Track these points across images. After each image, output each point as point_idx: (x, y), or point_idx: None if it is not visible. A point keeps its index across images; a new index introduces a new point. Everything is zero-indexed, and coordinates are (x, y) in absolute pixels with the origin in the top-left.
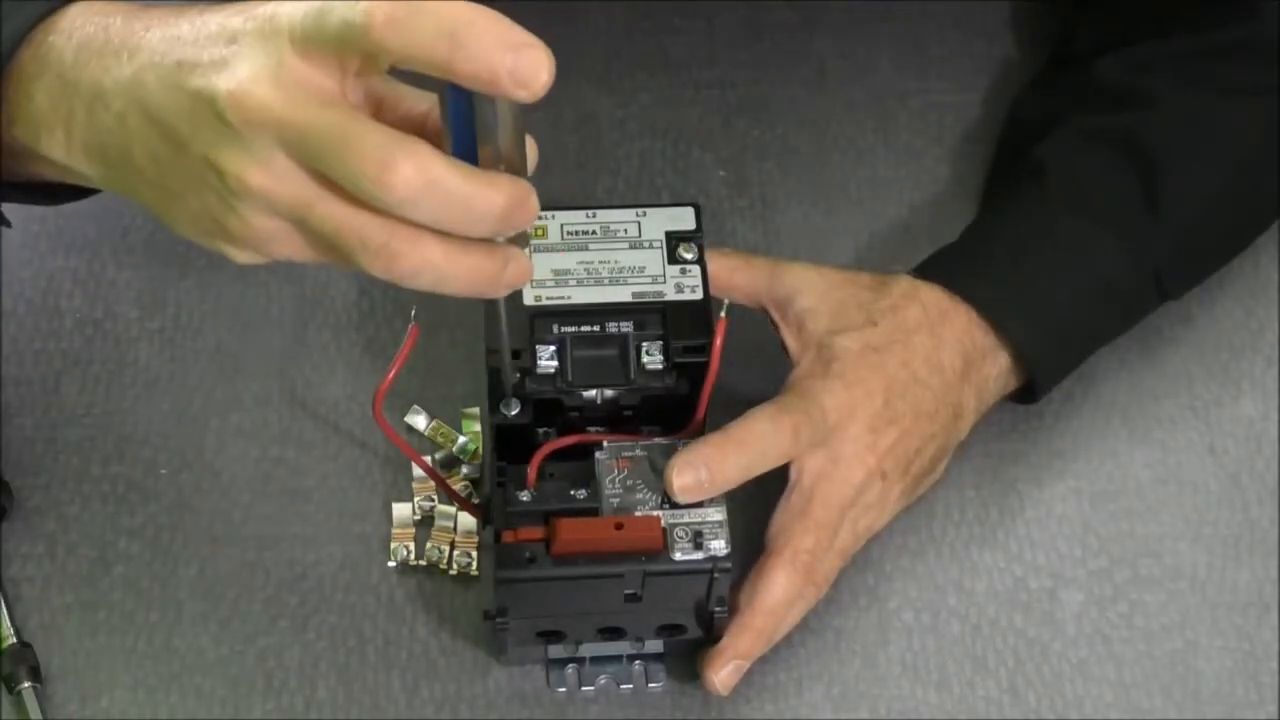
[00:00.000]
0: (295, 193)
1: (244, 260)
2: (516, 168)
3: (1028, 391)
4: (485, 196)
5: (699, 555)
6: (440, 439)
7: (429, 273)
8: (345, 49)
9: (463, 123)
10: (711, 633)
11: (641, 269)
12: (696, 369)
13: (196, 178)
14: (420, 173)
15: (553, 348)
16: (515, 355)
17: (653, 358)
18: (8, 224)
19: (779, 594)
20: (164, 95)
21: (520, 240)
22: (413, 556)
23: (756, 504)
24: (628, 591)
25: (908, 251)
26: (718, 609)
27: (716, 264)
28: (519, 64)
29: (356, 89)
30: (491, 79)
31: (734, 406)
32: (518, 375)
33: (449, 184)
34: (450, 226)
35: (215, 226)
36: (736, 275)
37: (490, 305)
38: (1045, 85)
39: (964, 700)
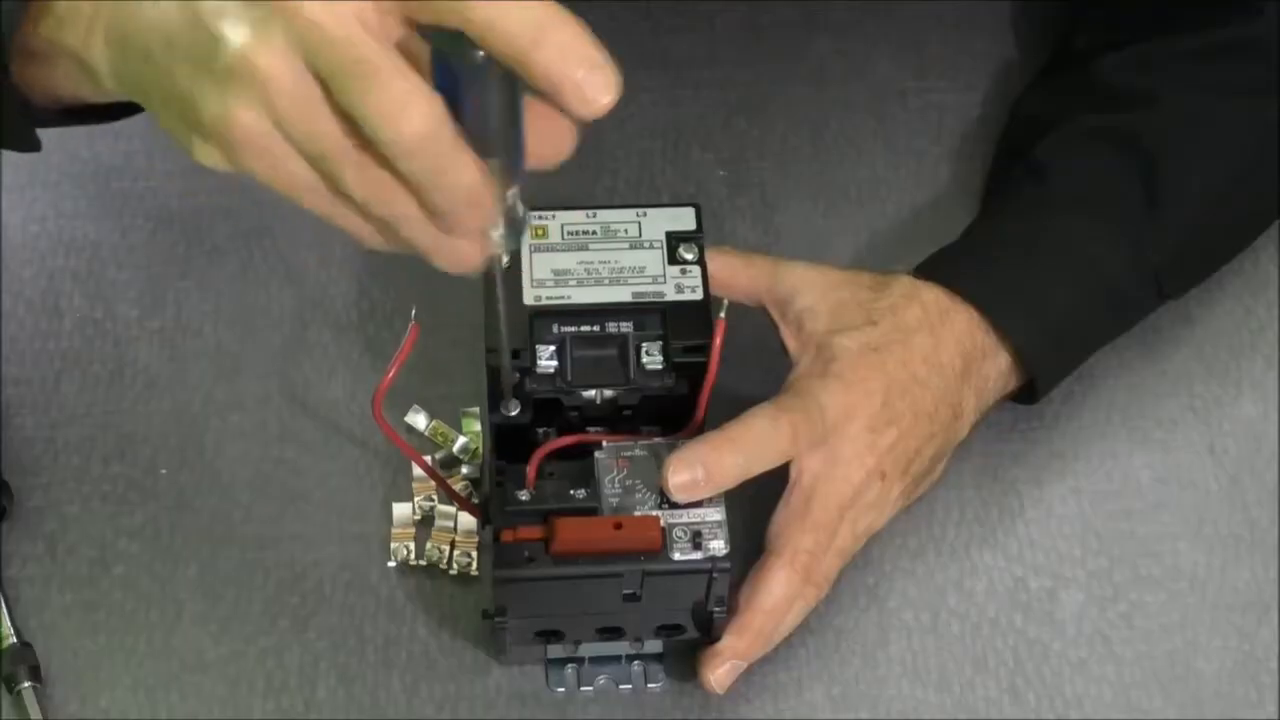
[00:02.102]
0: (301, 94)
1: (205, 161)
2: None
3: (1028, 392)
4: (470, 179)
5: (698, 555)
6: (440, 439)
7: (395, 208)
8: (429, 11)
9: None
10: (710, 633)
11: (641, 269)
12: (696, 369)
13: (196, 54)
14: (428, 122)
15: (552, 347)
16: (515, 355)
17: (652, 358)
18: (39, 147)
19: (778, 594)
20: None
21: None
22: (413, 556)
23: (756, 504)
24: (626, 591)
25: (908, 251)
26: (716, 609)
27: (716, 263)
28: (589, 80)
29: (394, 34)
30: (558, 86)
31: (733, 406)
32: (517, 376)
33: (444, 144)
34: (423, 185)
35: (192, 111)
36: (736, 274)
37: (489, 304)
38: (1045, 85)
39: (964, 700)
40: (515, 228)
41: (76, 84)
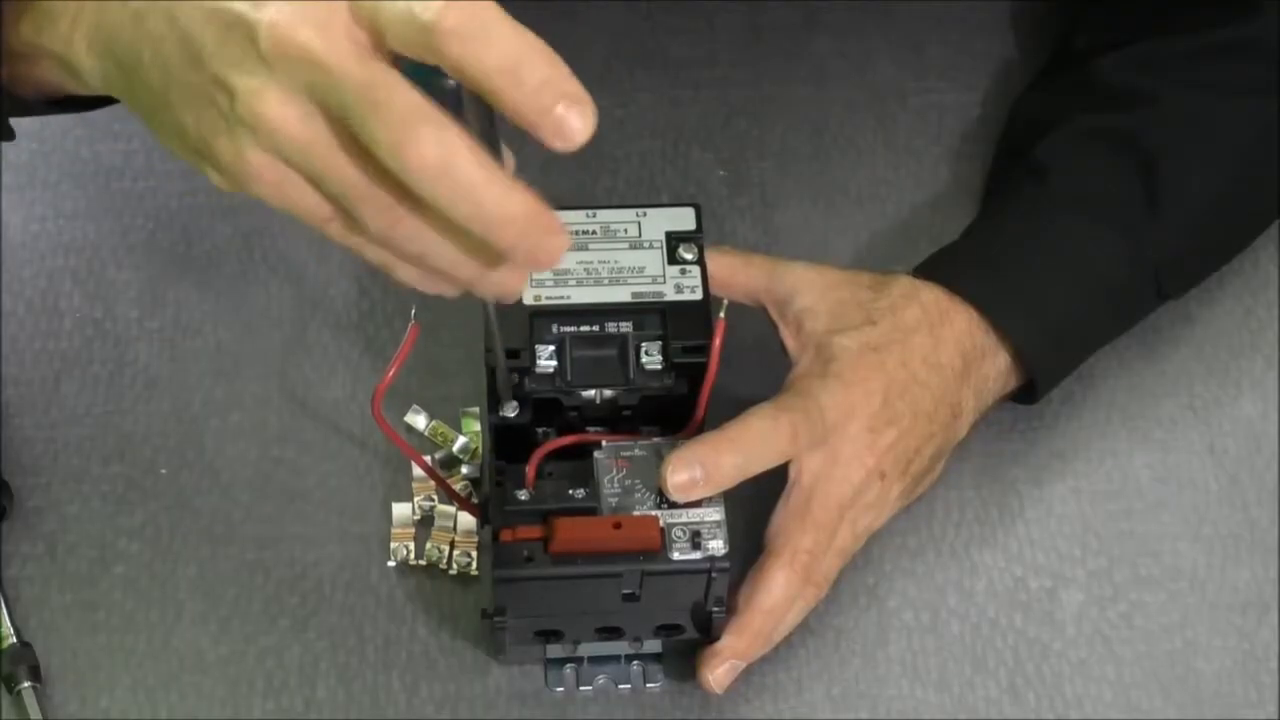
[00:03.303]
0: (309, 135)
1: (218, 184)
2: None
3: (1028, 392)
4: (498, 197)
5: (697, 555)
6: (440, 439)
7: (422, 243)
8: (401, 36)
9: None
10: (710, 633)
11: (641, 269)
12: (696, 369)
13: (202, 94)
14: (439, 146)
15: (552, 347)
16: (515, 355)
17: (652, 358)
18: (11, 136)
19: (777, 594)
20: (199, 8)
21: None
22: (412, 556)
23: (756, 504)
24: (626, 591)
25: (908, 251)
26: (715, 609)
27: (716, 263)
28: (566, 116)
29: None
30: (536, 122)
31: (733, 406)
32: (516, 377)
33: (462, 166)
34: (459, 215)
35: (203, 147)
36: (736, 274)
37: (484, 309)
38: (1045, 85)
39: (964, 700)
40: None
41: (62, 80)
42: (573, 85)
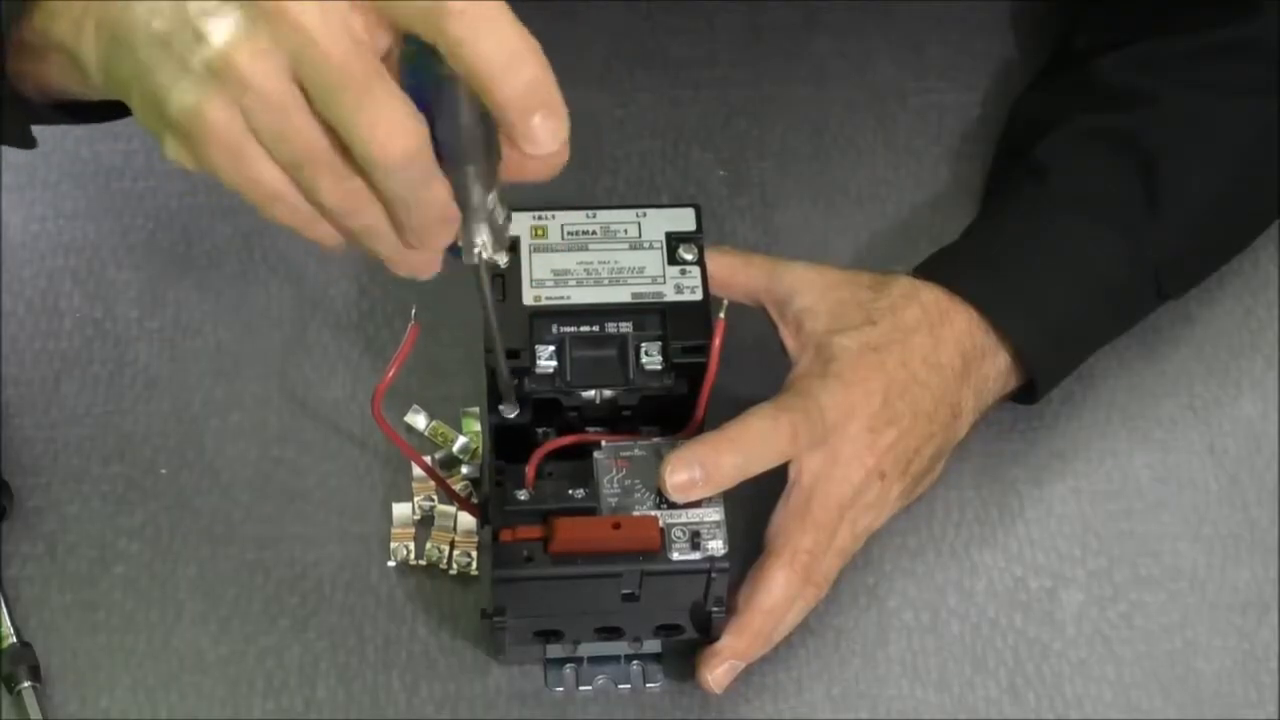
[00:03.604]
0: (279, 91)
1: (173, 157)
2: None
3: (1028, 392)
4: (443, 201)
5: (696, 555)
6: (440, 439)
7: (364, 218)
8: (407, 9)
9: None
10: (709, 633)
11: (641, 269)
12: (695, 369)
13: (178, 51)
14: (414, 143)
15: (552, 347)
16: (515, 355)
17: (652, 358)
18: (34, 144)
19: (777, 594)
20: None
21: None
22: (412, 556)
23: (756, 504)
24: (625, 591)
25: (908, 251)
26: (715, 609)
27: (716, 263)
28: (543, 124)
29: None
30: (513, 120)
31: (733, 406)
32: (515, 380)
33: (424, 165)
34: (398, 202)
35: (163, 105)
36: (736, 274)
37: (483, 309)
38: (1045, 85)
39: (963, 700)
40: (498, 232)
41: (67, 79)
42: (555, 96)
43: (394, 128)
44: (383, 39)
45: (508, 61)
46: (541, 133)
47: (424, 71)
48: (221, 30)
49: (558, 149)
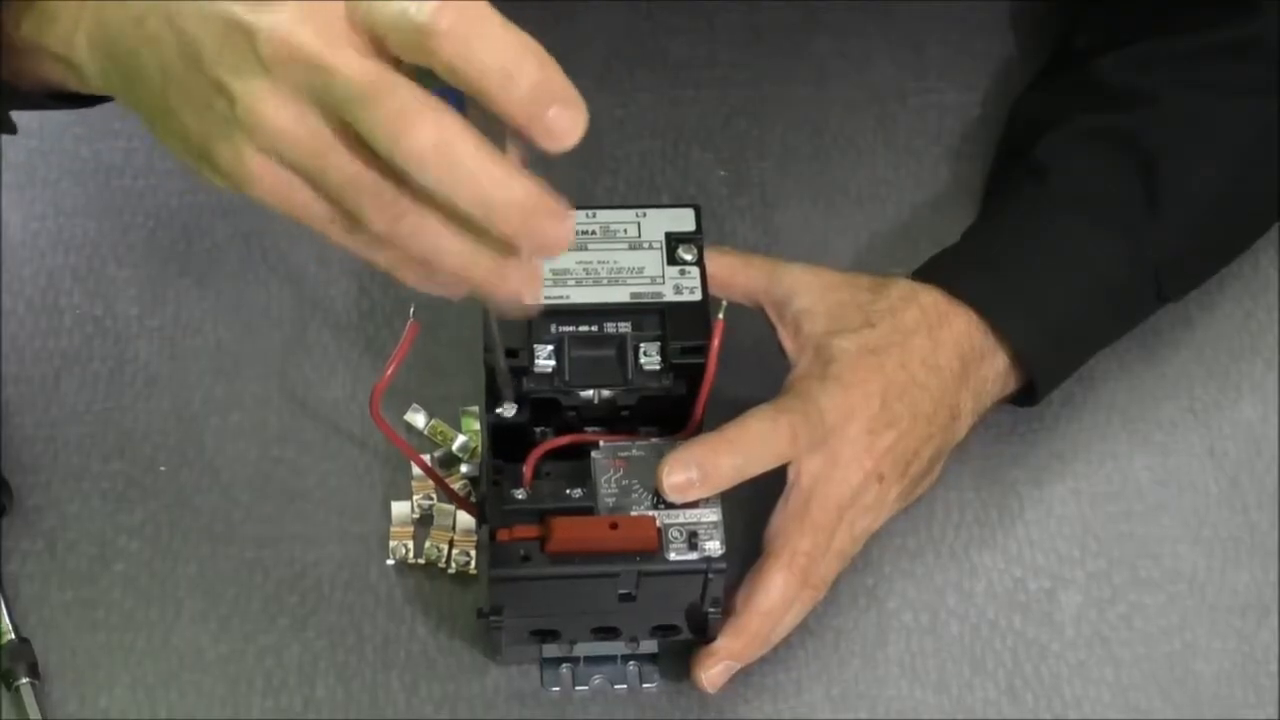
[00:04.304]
0: (308, 135)
1: (218, 185)
2: None
3: (1028, 394)
4: (499, 180)
5: (693, 555)
6: (439, 437)
7: (427, 238)
8: (395, 38)
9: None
10: (706, 633)
11: (640, 270)
12: (694, 370)
13: (201, 98)
14: (437, 132)
15: (550, 347)
16: (513, 354)
17: (650, 358)
18: (13, 130)
19: (775, 596)
20: (198, 11)
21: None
22: (411, 555)
23: (756, 504)
24: (622, 591)
25: (908, 251)
26: (712, 609)
27: (715, 263)
28: (558, 118)
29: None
30: (525, 123)
31: (731, 408)
32: (514, 380)
33: (461, 152)
34: (461, 200)
35: (204, 151)
36: (735, 275)
37: (484, 309)
38: (1045, 85)
39: (962, 701)
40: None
41: (64, 78)
42: (565, 87)
43: (409, 119)
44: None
45: (507, 70)
46: (558, 127)
47: (429, 84)
48: (243, 84)
49: (579, 137)
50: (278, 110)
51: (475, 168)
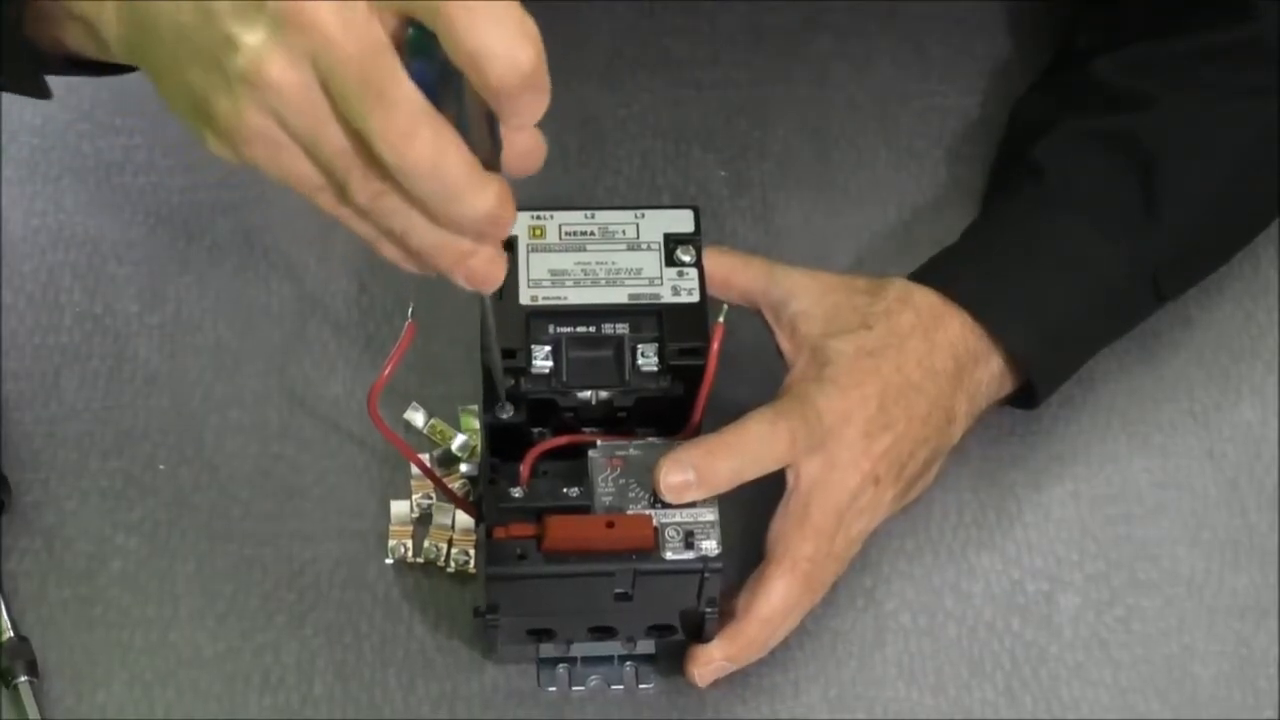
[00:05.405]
0: (308, 101)
1: (216, 151)
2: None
3: (1027, 397)
4: (476, 195)
5: (690, 555)
6: (438, 436)
7: (399, 218)
8: (411, 7)
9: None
10: (702, 633)
11: (638, 271)
12: (691, 372)
13: (210, 53)
14: (434, 152)
15: (548, 348)
16: (511, 355)
17: (648, 360)
18: (49, 95)
19: (777, 603)
20: None
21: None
22: (410, 554)
23: (756, 505)
24: (618, 590)
25: (908, 252)
26: (708, 610)
27: (715, 262)
28: (531, 104)
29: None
30: (499, 100)
31: (729, 410)
32: (511, 381)
33: (452, 172)
34: (433, 208)
35: (203, 106)
36: (733, 276)
37: (480, 307)
38: (1045, 86)
39: (960, 703)
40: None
41: (84, 45)
42: (543, 77)
43: (410, 134)
44: (389, 23)
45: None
46: (525, 110)
47: (427, 58)
48: (251, 38)
49: (536, 120)
50: (283, 70)
51: (457, 182)
